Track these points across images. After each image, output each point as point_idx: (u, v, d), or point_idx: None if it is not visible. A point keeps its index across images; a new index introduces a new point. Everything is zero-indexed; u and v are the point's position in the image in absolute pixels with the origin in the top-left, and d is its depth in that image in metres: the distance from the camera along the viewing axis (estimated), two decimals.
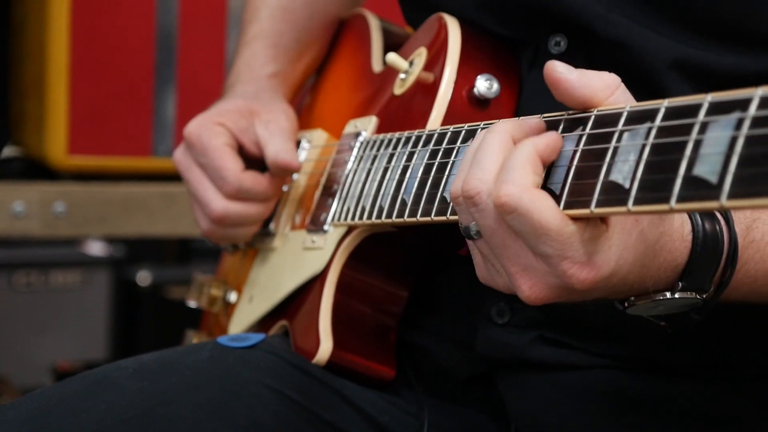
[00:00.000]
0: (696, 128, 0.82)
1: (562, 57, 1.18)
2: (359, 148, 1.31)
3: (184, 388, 1.17)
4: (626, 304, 0.98)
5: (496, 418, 1.26)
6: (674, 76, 1.13)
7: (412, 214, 1.12)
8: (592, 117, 0.92)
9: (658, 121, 0.85)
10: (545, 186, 0.92)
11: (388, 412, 1.25)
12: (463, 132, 1.11)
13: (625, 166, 0.87)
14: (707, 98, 0.82)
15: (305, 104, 1.61)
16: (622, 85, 0.94)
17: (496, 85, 1.21)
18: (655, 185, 0.83)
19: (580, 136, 0.92)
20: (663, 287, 0.97)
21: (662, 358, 1.16)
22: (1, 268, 3.06)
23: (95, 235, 3.05)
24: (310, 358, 1.24)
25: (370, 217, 1.20)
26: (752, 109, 0.77)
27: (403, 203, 1.15)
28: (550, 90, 0.96)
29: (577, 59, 1.17)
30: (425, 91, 1.25)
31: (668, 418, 1.16)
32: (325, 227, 1.30)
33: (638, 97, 0.93)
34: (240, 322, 1.45)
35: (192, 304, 1.60)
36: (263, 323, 1.40)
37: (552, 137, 0.94)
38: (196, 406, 1.16)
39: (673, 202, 0.81)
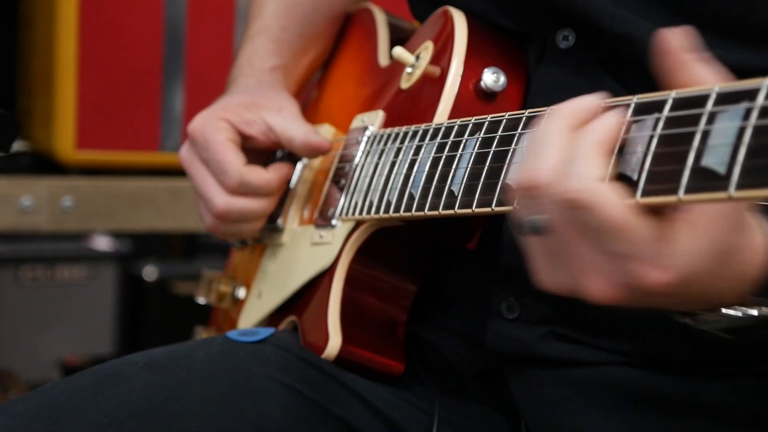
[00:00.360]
0: (704, 119, 0.81)
1: (570, 51, 1.18)
2: (366, 143, 1.31)
3: (194, 383, 1.18)
4: (691, 317, 0.92)
5: (505, 414, 1.26)
6: None
7: (420, 208, 1.13)
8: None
9: (666, 112, 0.85)
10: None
11: (398, 407, 1.25)
12: (471, 125, 1.11)
13: (633, 158, 0.85)
14: (715, 88, 0.82)
15: (312, 99, 1.61)
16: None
17: (503, 78, 1.21)
18: (663, 177, 0.82)
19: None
20: (730, 300, 0.91)
21: (674, 355, 1.15)
22: (8, 262, 3.06)
23: (103, 230, 3.05)
24: (319, 353, 1.24)
25: (377, 211, 1.21)
26: (760, 98, 0.77)
27: (411, 197, 1.15)
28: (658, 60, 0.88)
29: (585, 53, 1.17)
30: (432, 84, 1.25)
31: (680, 415, 1.16)
32: (333, 222, 1.30)
33: (645, 92, 0.93)
34: (249, 318, 1.46)
35: (201, 300, 1.60)
36: (272, 319, 1.41)
37: (617, 122, 0.88)
38: (206, 400, 1.16)
39: (681, 194, 0.81)
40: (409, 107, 1.29)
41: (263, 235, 1.48)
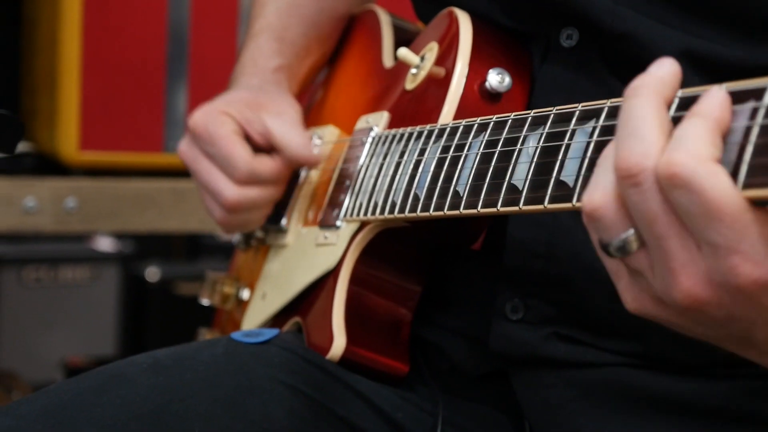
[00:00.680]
0: None
1: (574, 50, 1.18)
2: (371, 144, 1.31)
3: (198, 384, 1.18)
4: None
5: (510, 415, 1.26)
6: (683, 68, 1.12)
7: (425, 208, 1.13)
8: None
9: (672, 111, 0.85)
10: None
11: (402, 408, 1.25)
12: (476, 126, 1.11)
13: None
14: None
15: (316, 100, 1.61)
16: None
17: (507, 79, 1.21)
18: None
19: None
20: None
21: (678, 356, 1.15)
22: (11, 263, 3.07)
23: (106, 231, 3.06)
24: (323, 354, 1.24)
25: (382, 212, 1.20)
26: (767, 98, 0.77)
27: (416, 198, 1.15)
28: None
29: (589, 52, 1.17)
30: (437, 85, 1.25)
31: (683, 416, 1.16)
32: (338, 223, 1.30)
33: None
34: (253, 319, 1.45)
35: (205, 301, 1.60)
36: (276, 320, 1.40)
37: (726, 102, 0.80)
38: (210, 401, 1.16)
39: None
40: (414, 108, 1.29)
41: (268, 236, 1.48)
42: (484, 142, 1.08)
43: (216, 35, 2.56)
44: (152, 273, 3.23)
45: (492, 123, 1.09)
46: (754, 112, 0.77)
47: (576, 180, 0.92)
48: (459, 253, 1.27)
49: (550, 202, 0.96)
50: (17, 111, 2.61)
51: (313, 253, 1.34)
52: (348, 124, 1.41)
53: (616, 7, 1.14)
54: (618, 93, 0.96)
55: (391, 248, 1.26)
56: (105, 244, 3.28)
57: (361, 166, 1.30)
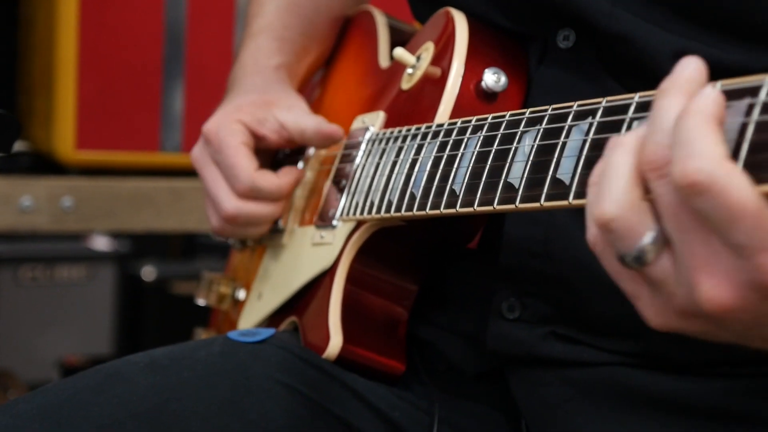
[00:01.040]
0: None
1: (571, 51, 1.18)
2: (367, 143, 1.31)
3: (195, 383, 1.18)
4: None
5: (506, 414, 1.26)
6: None
7: (422, 207, 1.13)
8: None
9: (762, 97, 0.84)
10: None
11: (399, 407, 1.25)
12: (472, 125, 1.11)
13: None
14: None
15: (312, 100, 1.61)
16: None
17: (504, 79, 1.21)
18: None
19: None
20: None
21: (676, 355, 1.15)
22: (7, 262, 3.07)
23: (102, 230, 3.06)
24: (320, 353, 1.24)
25: (379, 211, 1.21)
26: (763, 95, 0.77)
27: (412, 197, 1.15)
28: None
29: (585, 54, 1.17)
30: (433, 85, 1.25)
31: (679, 415, 1.15)
32: (334, 222, 1.30)
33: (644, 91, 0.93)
34: (249, 319, 1.46)
35: (201, 302, 1.60)
36: (273, 320, 1.41)
37: (720, 97, 0.79)
38: (207, 400, 1.16)
39: None
40: (410, 108, 1.29)
41: (264, 236, 1.48)
42: (480, 140, 1.08)
43: (212, 35, 2.56)
44: (149, 272, 3.23)
45: (488, 122, 1.09)
46: (750, 109, 0.78)
47: (572, 178, 0.92)
48: (455, 251, 1.28)
49: (547, 200, 0.96)
50: (14, 110, 2.61)
51: (309, 252, 1.34)
52: (344, 124, 1.41)
53: (612, 8, 1.14)
54: (614, 94, 0.96)
55: (387, 247, 1.26)
56: (101, 243, 3.28)
57: (358, 166, 1.30)
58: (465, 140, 1.10)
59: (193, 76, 2.54)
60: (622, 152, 0.82)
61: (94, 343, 3.16)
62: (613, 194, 0.82)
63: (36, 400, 1.15)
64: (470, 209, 1.06)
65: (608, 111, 0.92)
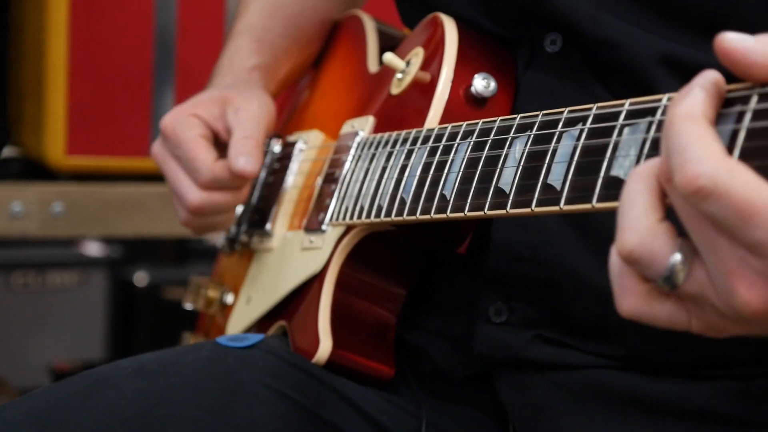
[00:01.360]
0: None
1: (558, 56, 1.18)
2: (357, 148, 1.31)
3: (183, 388, 1.18)
4: None
5: (494, 418, 1.26)
6: (663, 73, 1.12)
7: (412, 212, 1.13)
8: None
9: (658, 116, 0.85)
10: None
11: (388, 411, 1.25)
12: (462, 130, 1.11)
13: None
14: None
15: (300, 104, 1.62)
16: None
17: (493, 84, 1.21)
18: None
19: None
20: None
21: (662, 358, 1.15)
22: None
23: (93, 236, 3.05)
24: (309, 358, 1.24)
25: (368, 216, 1.21)
26: (753, 102, 0.77)
27: (402, 202, 1.15)
28: (730, 67, 0.77)
29: (572, 58, 1.17)
30: (422, 90, 1.25)
31: (666, 417, 1.16)
32: (323, 227, 1.30)
33: (630, 95, 0.93)
34: (238, 324, 1.45)
35: (188, 306, 1.60)
36: (261, 324, 1.40)
37: (698, 92, 0.78)
38: (195, 406, 1.16)
39: None
40: (400, 113, 1.29)
41: (252, 240, 1.48)
42: (471, 146, 1.08)
43: (203, 40, 2.55)
44: (140, 278, 3.23)
45: (478, 127, 1.09)
46: (740, 116, 0.78)
47: (563, 183, 0.92)
48: (444, 256, 1.28)
49: (537, 205, 0.96)
50: (3, 116, 2.59)
51: (298, 257, 1.34)
52: (333, 129, 1.41)
53: (597, 13, 1.14)
54: (601, 98, 0.96)
55: (376, 252, 1.26)
56: (93, 248, 3.28)
57: (347, 171, 1.30)
58: (455, 145, 1.10)
59: (183, 81, 2.54)
60: (635, 180, 0.81)
61: (87, 349, 3.16)
62: (630, 223, 0.80)
63: (24, 406, 1.15)
64: (461, 214, 1.06)
65: (599, 118, 0.93)
